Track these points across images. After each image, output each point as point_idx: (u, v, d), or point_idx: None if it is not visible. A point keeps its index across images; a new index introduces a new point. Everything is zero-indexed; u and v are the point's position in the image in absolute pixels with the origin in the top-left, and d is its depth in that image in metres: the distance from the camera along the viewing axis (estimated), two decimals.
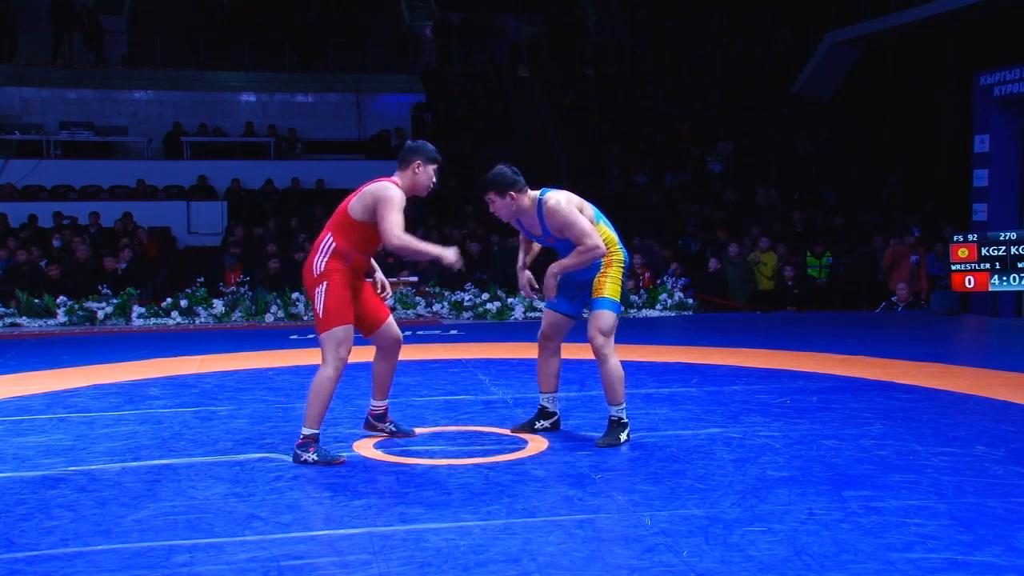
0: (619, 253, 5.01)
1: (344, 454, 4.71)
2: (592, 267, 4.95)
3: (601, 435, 4.97)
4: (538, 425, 5.19)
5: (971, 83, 12.31)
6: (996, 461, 4.49)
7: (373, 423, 5.17)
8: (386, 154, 18.31)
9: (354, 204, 4.66)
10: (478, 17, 21.61)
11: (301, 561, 3.28)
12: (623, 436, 4.91)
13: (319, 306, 4.56)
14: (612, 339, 4.86)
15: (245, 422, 5.57)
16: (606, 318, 4.85)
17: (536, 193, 4.95)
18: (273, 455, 4.74)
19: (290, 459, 4.61)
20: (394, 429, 5.15)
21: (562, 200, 4.86)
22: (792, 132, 19.38)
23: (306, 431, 4.57)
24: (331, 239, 4.63)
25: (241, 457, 4.71)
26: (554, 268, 4.86)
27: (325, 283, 4.56)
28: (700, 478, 4.28)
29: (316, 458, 4.54)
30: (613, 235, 5.03)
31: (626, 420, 4.95)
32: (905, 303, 12.08)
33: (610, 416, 4.95)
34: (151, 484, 4.24)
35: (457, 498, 3.98)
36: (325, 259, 4.60)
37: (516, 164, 5.06)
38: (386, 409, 5.16)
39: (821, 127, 19.55)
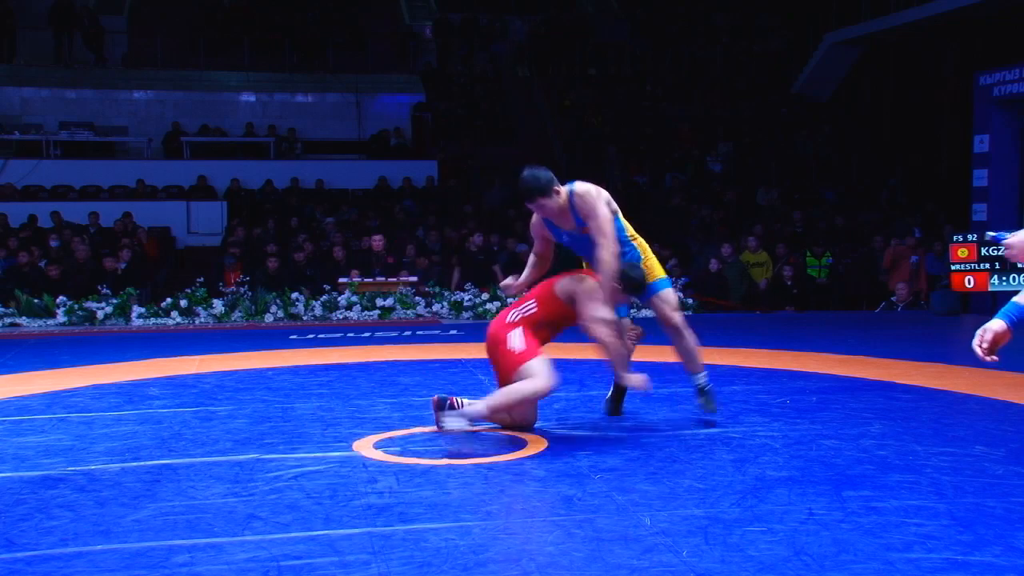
0: (640, 239, 5.25)
1: (342, 453, 4.72)
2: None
3: (703, 404, 5.29)
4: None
5: (971, 83, 12.31)
6: (996, 461, 4.48)
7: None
8: (386, 154, 18.33)
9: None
10: (478, 17, 21.62)
11: (301, 561, 3.28)
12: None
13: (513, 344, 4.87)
14: None
15: (245, 422, 5.57)
16: (671, 295, 5.21)
17: (565, 187, 5.00)
18: (273, 455, 4.73)
19: (285, 456, 4.61)
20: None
21: (591, 188, 4.96)
22: (792, 132, 19.38)
23: (480, 408, 4.73)
24: (534, 304, 5.00)
25: (241, 457, 4.71)
26: (608, 283, 4.86)
27: (520, 328, 4.92)
28: (700, 478, 4.28)
29: (466, 423, 4.69)
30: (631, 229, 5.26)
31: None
32: (905, 303, 12.08)
33: (699, 385, 5.28)
34: (151, 484, 4.24)
35: (457, 498, 3.98)
36: None
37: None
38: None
39: (821, 127, 19.56)
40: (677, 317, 5.16)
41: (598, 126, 19.19)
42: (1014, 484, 4.10)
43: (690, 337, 5.21)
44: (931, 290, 12.21)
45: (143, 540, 3.50)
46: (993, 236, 2.55)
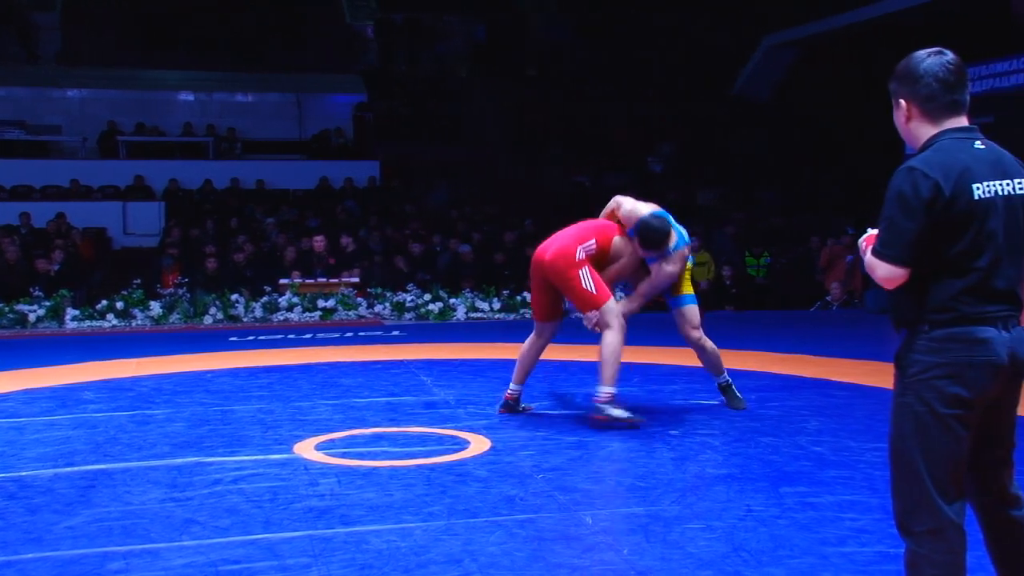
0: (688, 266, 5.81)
1: (282, 456, 4.68)
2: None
3: (726, 402, 5.75)
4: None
5: None
6: None
7: (512, 406, 5.73)
8: (327, 154, 18.19)
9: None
10: (420, 17, 21.57)
11: (240, 566, 3.24)
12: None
13: (588, 285, 5.28)
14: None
15: (183, 425, 5.49)
16: (691, 312, 5.67)
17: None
18: (212, 458, 4.67)
19: (225, 460, 4.56)
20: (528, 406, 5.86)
21: (674, 268, 5.55)
22: (732, 133, 19.63)
23: (608, 389, 5.18)
24: (594, 244, 5.40)
25: (179, 461, 4.64)
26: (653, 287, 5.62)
27: (587, 267, 5.31)
28: (640, 476, 4.32)
29: (624, 414, 5.13)
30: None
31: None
32: (839, 302, 12.30)
33: (721, 384, 5.80)
34: (85, 490, 4.16)
35: (399, 499, 3.97)
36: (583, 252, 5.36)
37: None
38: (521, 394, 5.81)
39: (760, 128, 19.83)
40: (695, 335, 5.59)
41: (540, 127, 19.24)
42: None
43: (710, 349, 5.62)
44: (865, 289, 12.45)
45: (76, 547, 3.43)
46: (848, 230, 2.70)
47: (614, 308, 5.31)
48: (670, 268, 5.44)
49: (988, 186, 2.36)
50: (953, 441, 2.36)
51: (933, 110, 2.44)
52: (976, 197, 2.35)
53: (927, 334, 2.37)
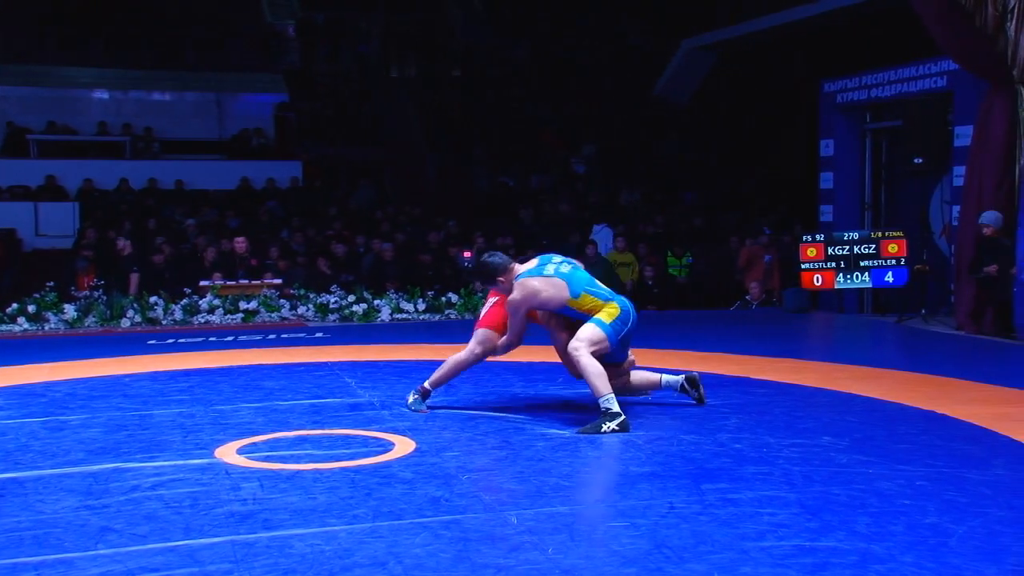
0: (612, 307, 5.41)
1: (203, 460, 4.60)
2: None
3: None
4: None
5: (817, 90, 12.89)
6: (840, 451, 4.73)
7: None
8: (247, 154, 17.93)
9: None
10: (342, 16, 21.42)
11: (158, 573, 3.17)
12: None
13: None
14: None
15: (99, 431, 5.35)
16: (586, 330, 5.34)
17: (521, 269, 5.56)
18: (129, 464, 4.57)
19: (143, 465, 4.47)
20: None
21: (515, 295, 5.40)
22: (653, 134, 19.88)
23: (425, 385, 5.74)
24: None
25: (95, 468, 4.52)
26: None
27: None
28: (565, 476, 4.35)
29: (417, 408, 5.66)
30: (599, 300, 5.41)
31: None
32: (758, 301, 12.55)
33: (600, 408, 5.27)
34: None
35: (323, 503, 3.93)
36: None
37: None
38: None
39: (681, 130, 20.12)
40: (571, 347, 5.29)
41: (464, 127, 19.24)
42: (856, 472, 4.34)
43: (587, 367, 5.21)
44: (783, 288, 12.72)
45: None
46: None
47: (479, 334, 5.64)
48: (513, 293, 5.41)
49: None
50: None
51: None
52: None
53: None
